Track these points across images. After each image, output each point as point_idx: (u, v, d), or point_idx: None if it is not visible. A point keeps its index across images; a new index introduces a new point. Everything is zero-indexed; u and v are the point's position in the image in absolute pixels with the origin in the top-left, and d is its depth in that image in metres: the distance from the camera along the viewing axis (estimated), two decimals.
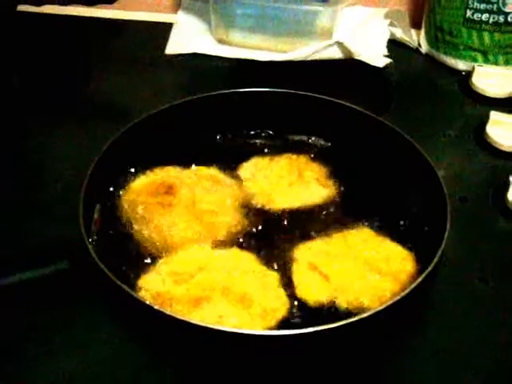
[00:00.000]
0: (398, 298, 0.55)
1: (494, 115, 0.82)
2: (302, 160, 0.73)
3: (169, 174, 0.70)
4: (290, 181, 0.71)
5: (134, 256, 0.63)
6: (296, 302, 0.59)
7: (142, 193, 0.68)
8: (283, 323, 0.57)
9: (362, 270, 0.61)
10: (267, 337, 0.53)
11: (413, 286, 0.56)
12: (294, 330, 0.52)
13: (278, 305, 0.58)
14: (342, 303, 0.58)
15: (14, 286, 0.58)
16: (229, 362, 0.56)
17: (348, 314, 0.57)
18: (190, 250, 0.62)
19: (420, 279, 0.56)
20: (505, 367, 0.58)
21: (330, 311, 0.58)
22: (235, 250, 0.63)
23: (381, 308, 0.54)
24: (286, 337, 0.52)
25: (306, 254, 0.63)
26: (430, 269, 0.57)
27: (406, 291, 0.55)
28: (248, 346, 0.54)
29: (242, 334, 0.53)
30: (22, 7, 0.94)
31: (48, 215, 0.69)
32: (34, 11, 0.96)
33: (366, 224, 0.66)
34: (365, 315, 0.53)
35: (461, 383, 0.57)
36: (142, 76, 0.93)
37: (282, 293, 0.59)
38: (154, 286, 0.58)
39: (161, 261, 0.61)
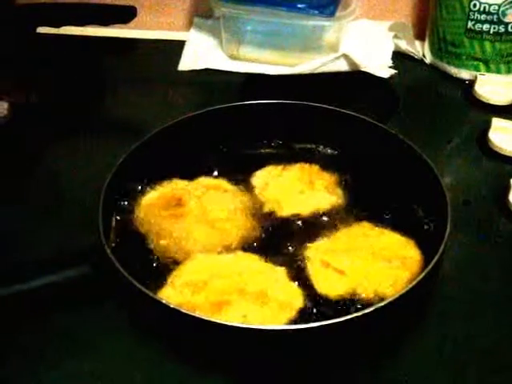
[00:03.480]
0: (421, 277, 0.56)
1: (496, 122, 0.83)
2: (313, 169, 0.74)
3: (177, 186, 0.72)
4: (300, 189, 0.72)
5: (152, 265, 0.64)
6: (318, 298, 0.60)
7: (153, 206, 0.69)
8: (303, 313, 0.58)
9: (372, 260, 0.63)
10: (304, 330, 0.54)
11: (430, 266, 0.57)
12: (330, 320, 0.53)
13: (294, 296, 0.60)
14: (362, 294, 0.60)
15: (39, 288, 0.59)
16: (255, 360, 0.57)
17: (368, 303, 0.59)
18: (197, 260, 0.63)
19: (435, 259, 0.58)
20: (505, 366, 0.59)
21: (350, 303, 0.60)
22: (240, 253, 0.64)
23: (404, 291, 0.56)
24: (323, 328, 0.53)
25: (315, 253, 0.64)
26: (441, 249, 0.58)
27: (424, 273, 0.57)
28: (281, 340, 0.55)
29: (278, 329, 0.55)
30: (41, 29, 0.95)
31: (69, 225, 0.70)
32: (53, 33, 0.97)
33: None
34: (390, 299, 0.55)
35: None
36: (156, 92, 0.93)
37: (293, 285, 0.61)
38: (174, 298, 0.58)
39: (172, 274, 0.62)
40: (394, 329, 0.60)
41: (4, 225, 0.71)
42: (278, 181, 0.73)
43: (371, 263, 0.63)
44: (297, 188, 0.72)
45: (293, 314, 0.58)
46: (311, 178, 0.73)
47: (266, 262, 0.63)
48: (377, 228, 0.66)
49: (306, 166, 0.75)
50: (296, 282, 0.61)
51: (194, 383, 0.57)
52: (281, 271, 0.62)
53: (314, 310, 0.59)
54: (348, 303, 0.60)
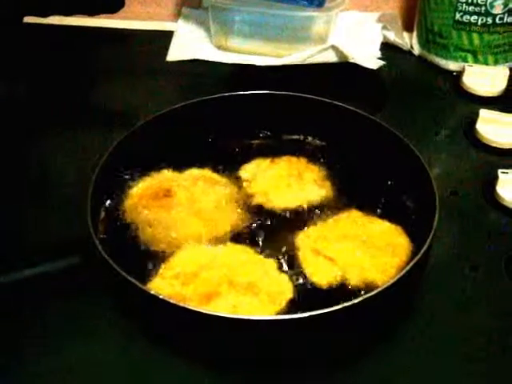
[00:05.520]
0: (411, 264, 0.57)
1: (484, 113, 0.83)
2: (301, 162, 0.74)
3: (166, 177, 0.72)
4: (289, 182, 0.72)
5: (141, 256, 0.64)
6: (309, 286, 0.60)
7: (142, 197, 0.69)
8: (292, 304, 0.59)
9: (362, 247, 0.63)
10: (296, 320, 0.54)
11: (421, 253, 0.58)
12: (321, 310, 0.53)
13: (284, 288, 0.60)
14: (352, 282, 0.61)
15: (30, 278, 0.60)
16: (245, 349, 0.57)
17: (358, 291, 0.59)
18: (187, 252, 0.63)
19: (425, 248, 0.58)
20: (495, 354, 0.59)
21: (341, 291, 0.60)
22: (230, 245, 0.65)
23: (397, 278, 0.56)
24: (315, 317, 0.53)
25: (306, 241, 0.65)
26: (430, 237, 0.59)
27: (415, 260, 0.57)
28: (273, 330, 0.55)
29: (271, 320, 0.55)
30: (28, 18, 0.94)
31: (58, 216, 0.70)
32: (39, 22, 0.95)
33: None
34: (383, 287, 0.55)
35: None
36: (144, 83, 0.93)
37: (283, 277, 0.61)
38: (164, 290, 0.58)
39: (162, 266, 0.62)
40: (383, 317, 0.60)
41: None
42: (267, 174, 0.73)
43: (361, 250, 0.63)
44: (285, 181, 0.72)
45: (283, 304, 0.59)
46: (299, 171, 0.73)
47: (256, 252, 0.64)
48: (366, 216, 0.67)
49: (294, 158, 0.75)
50: (286, 272, 0.62)
51: (183, 374, 0.57)
52: (270, 262, 0.63)
53: (304, 300, 0.59)
54: (338, 291, 0.60)
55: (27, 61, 0.95)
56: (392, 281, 0.56)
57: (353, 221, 0.67)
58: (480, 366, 0.58)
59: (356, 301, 0.54)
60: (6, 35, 0.90)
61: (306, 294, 0.60)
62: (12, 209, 0.72)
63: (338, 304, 0.54)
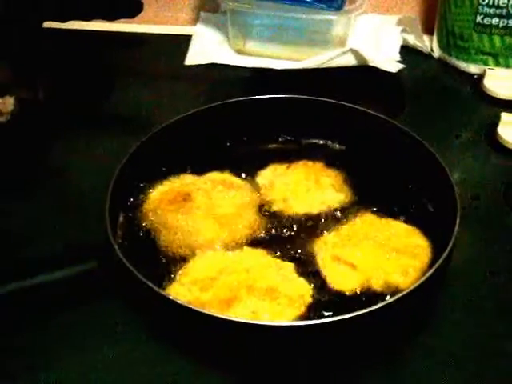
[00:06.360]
0: (435, 267, 0.57)
1: (505, 116, 0.83)
2: (317, 166, 0.74)
3: (184, 181, 0.72)
4: (307, 187, 0.72)
5: (159, 261, 0.64)
6: (330, 292, 0.60)
7: (161, 201, 0.69)
8: (312, 308, 0.59)
9: (381, 251, 0.63)
10: (321, 325, 0.54)
11: (444, 255, 0.58)
12: (348, 314, 0.53)
13: (303, 291, 0.60)
14: (375, 286, 0.61)
15: (46, 284, 0.60)
16: (264, 356, 0.57)
17: (381, 295, 0.60)
18: (204, 257, 0.64)
19: (448, 250, 0.58)
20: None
21: (363, 296, 0.60)
22: (247, 249, 0.65)
23: (421, 281, 0.56)
24: (340, 322, 0.53)
25: (324, 247, 0.65)
26: (452, 239, 0.59)
27: (439, 262, 0.57)
28: (292, 336, 0.55)
29: (296, 326, 0.55)
30: (48, 24, 0.94)
31: (76, 221, 0.71)
32: (59, 27, 0.96)
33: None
34: (408, 290, 0.55)
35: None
36: (162, 87, 0.94)
37: (302, 280, 0.61)
38: (182, 296, 0.59)
39: (179, 272, 0.62)
40: (405, 322, 0.60)
41: (12, 221, 0.72)
42: (284, 179, 0.73)
43: (381, 254, 0.63)
44: (304, 186, 0.72)
45: (302, 309, 0.59)
46: (316, 176, 0.73)
47: (274, 257, 0.64)
48: (383, 219, 0.67)
49: (310, 163, 0.75)
50: (305, 277, 0.62)
51: (201, 380, 0.57)
52: (289, 266, 0.63)
53: (325, 306, 0.59)
54: (361, 296, 0.60)
55: (47, 65, 0.95)
56: (416, 284, 0.56)
57: (370, 224, 0.67)
58: (494, 367, 0.58)
59: (380, 305, 0.54)
60: (27, 40, 0.90)
61: (326, 300, 0.60)
62: (31, 213, 0.73)
63: (361, 309, 0.54)
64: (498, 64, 0.93)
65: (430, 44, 1.02)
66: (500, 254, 0.68)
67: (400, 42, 0.98)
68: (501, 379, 0.58)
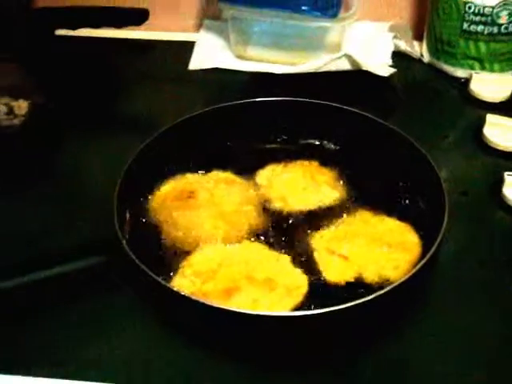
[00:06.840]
0: (425, 259, 0.58)
1: (490, 118, 0.84)
2: (314, 165, 0.75)
3: (189, 180, 0.73)
4: (304, 185, 0.73)
5: (164, 255, 0.65)
6: (324, 283, 0.62)
7: (167, 199, 0.70)
8: (308, 298, 0.60)
9: (374, 245, 0.65)
10: (320, 314, 0.55)
11: (433, 248, 0.59)
12: (342, 304, 0.54)
13: (299, 282, 0.62)
14: (367, 278, 0.62)
15: (59, 276, 0.61)
16: (264, 345, 0.58)
17: (373, 287, 0.61)
18: (205, 250, 0.65)
19: (436, 242, 0.59)
20: (502, 344, 0.60)
21: (356, 287, 0.61)
22: (245, 243, 0.66)
23: (412, 273, 0.57)
24: (339, 311, 0.54)
25: (320, 241, 0.66)
26: (441, 233, 0.60)
27: (427, 256, 0.58)
28: (291, 326, 0.56)
29: (295, 316, 0.56)
30: (59, 31, 0.97)
31: (86, 217, 0.72)
32: (70, 34, 0.99)
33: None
34: (399, 282, 0.57)
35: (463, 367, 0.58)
36: (168, 90, 0.94)
37: (298, 271, 0.63)
38: (186, 287, 0.60)
39: (181, 265, 0.63)
40: (396, 313, 0.61)
41: (27, 218, 0.73)
42: (282, 178, 0.74)
43: (373, 248, 0.65)
44: (301, 184, 0.73)
45: (299, 298, 0.60)
46: (313, 175, 0.74)
47: (272, 250, 0.65)
48: (376, 216, 0.68)
49: (306, 162, 0.76)
50: (302, 269, 0.63)
51: (206, 369, 0.58)
52: (285, 258, 0.64)
53: (320, 296, 0.61)
54: (353, 287, 0.61)
55: (57, 70, 0.96)
56: (407, 276, 0.57)
57: (364, 220, 0.68)
58: (482, 353, 0.60)
59: (373, 296, 0.55)
60: (39, 47, 0.92)
61: (322, 290, 0.61)
62: (41, 209, 0.74)
63: (354, 299, 0.55)
64: (483, 68, 0.94)
65: (419, 49, 1.02)
66: (487, 246, 0.70)
67: (392, 48, 0.99)
68: (491, 361, 0.59)
